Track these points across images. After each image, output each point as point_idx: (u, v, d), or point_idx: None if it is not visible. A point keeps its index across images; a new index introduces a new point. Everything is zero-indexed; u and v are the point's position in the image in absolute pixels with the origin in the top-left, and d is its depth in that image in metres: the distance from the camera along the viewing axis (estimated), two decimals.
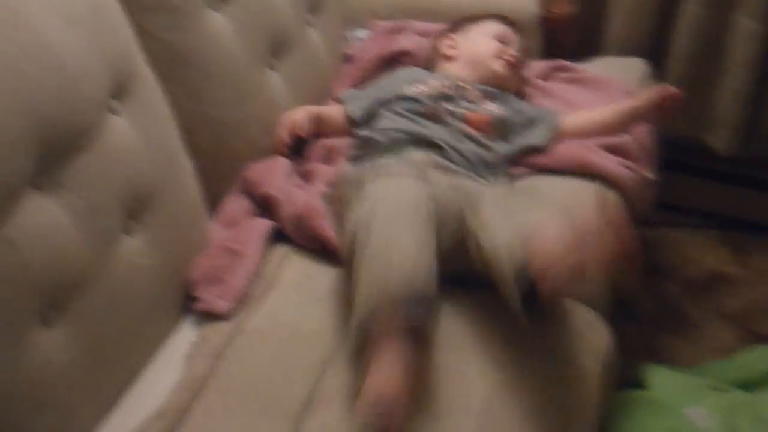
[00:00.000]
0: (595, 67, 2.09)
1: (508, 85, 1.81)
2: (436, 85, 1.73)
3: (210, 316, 1.37)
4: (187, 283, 1.42)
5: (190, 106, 1.53)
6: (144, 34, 1.43)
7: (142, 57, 1.40)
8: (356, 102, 1.77)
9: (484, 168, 1.60)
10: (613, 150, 1.70)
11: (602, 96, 1.87)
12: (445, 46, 1.88)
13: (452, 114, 1.66)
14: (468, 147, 1.61)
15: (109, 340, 1.24)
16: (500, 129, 1.69)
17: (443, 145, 1.58)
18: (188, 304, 1.42)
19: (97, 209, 1.22)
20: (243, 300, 1.39)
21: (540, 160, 1.70)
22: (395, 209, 1.26)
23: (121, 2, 1.38)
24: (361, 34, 2.10)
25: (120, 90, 1.31)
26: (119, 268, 1.26)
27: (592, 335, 1.39)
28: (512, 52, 1.83)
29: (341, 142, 1.70)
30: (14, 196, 1.10)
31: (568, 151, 1.69)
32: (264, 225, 1.53)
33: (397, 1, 2.15)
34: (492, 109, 1.71)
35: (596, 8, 2.33)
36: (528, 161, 1.70)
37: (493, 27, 1.87)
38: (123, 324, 1.27)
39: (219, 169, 1.60)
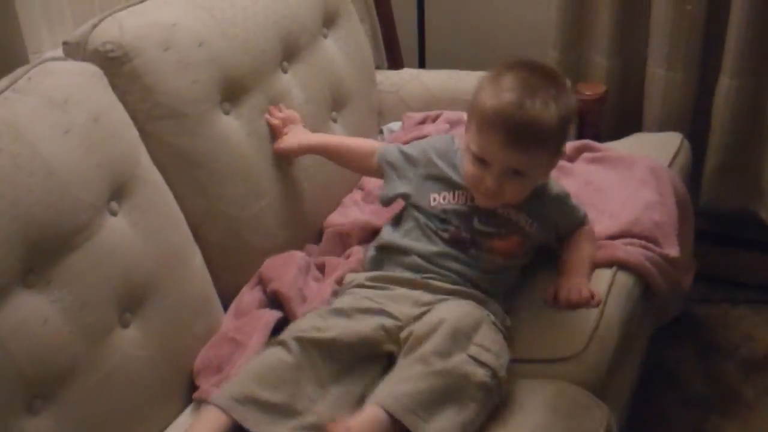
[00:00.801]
0: (631, 144, 2.09)
1: (506, 201, 1.53)
2: (459, 200, 1.56)
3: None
4: (192, 372, 1.49)
5: (202, 203, 1.60)
6: (150, 139, 1.52)
7: (148, 159, 1.50)
8: (393, 183, 1.65)
9: (504, 285, 1.56)
10: (625, 233, 1.69)
11: (624, 174, 1.86)
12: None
13: (477, 245, 1.53)
14: (487, 278, 1.53)
15: (101, 428, 1.31)
16: (528, 246, 1.58)
17: (455, 278, 1.51)
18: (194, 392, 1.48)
19: (88, 304, 1.31)
20: None
21: None
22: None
23: (128, 110, 1.50)
24: (395, 126, 2.17)
25: (119, 191, 1.41)
26: (113, 358, 1.34)
27: (585, 418, 1.37)
28: (487, 183, 1.48)
29: (352, 228, 1.74)
30: (1, 294, 1.20)
31: None
32: (271, 316, 1.57)
33: (430, 93, 2.21)
34: (521, 223, 1.56)
35: (634, 86, 2.33)
36: None
37: (476, 136, 1.48)
38: (117, 412, 1.34)
39: (235, 261, 1.67)
